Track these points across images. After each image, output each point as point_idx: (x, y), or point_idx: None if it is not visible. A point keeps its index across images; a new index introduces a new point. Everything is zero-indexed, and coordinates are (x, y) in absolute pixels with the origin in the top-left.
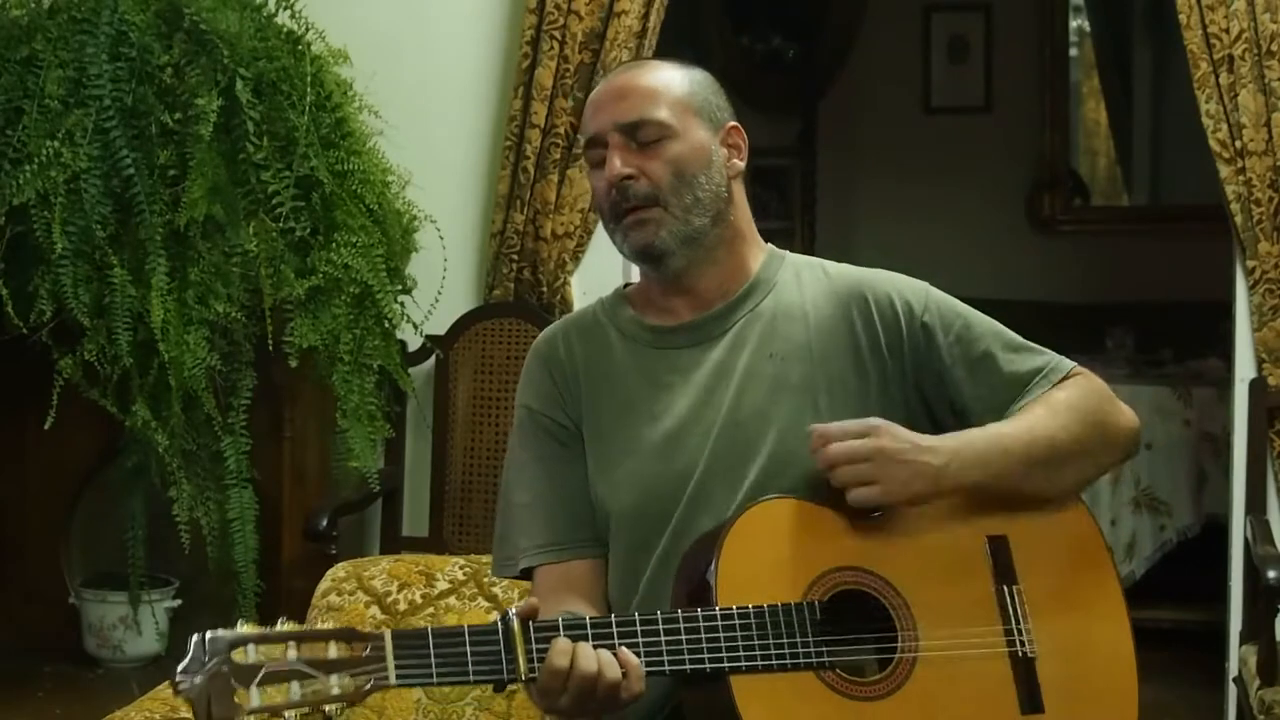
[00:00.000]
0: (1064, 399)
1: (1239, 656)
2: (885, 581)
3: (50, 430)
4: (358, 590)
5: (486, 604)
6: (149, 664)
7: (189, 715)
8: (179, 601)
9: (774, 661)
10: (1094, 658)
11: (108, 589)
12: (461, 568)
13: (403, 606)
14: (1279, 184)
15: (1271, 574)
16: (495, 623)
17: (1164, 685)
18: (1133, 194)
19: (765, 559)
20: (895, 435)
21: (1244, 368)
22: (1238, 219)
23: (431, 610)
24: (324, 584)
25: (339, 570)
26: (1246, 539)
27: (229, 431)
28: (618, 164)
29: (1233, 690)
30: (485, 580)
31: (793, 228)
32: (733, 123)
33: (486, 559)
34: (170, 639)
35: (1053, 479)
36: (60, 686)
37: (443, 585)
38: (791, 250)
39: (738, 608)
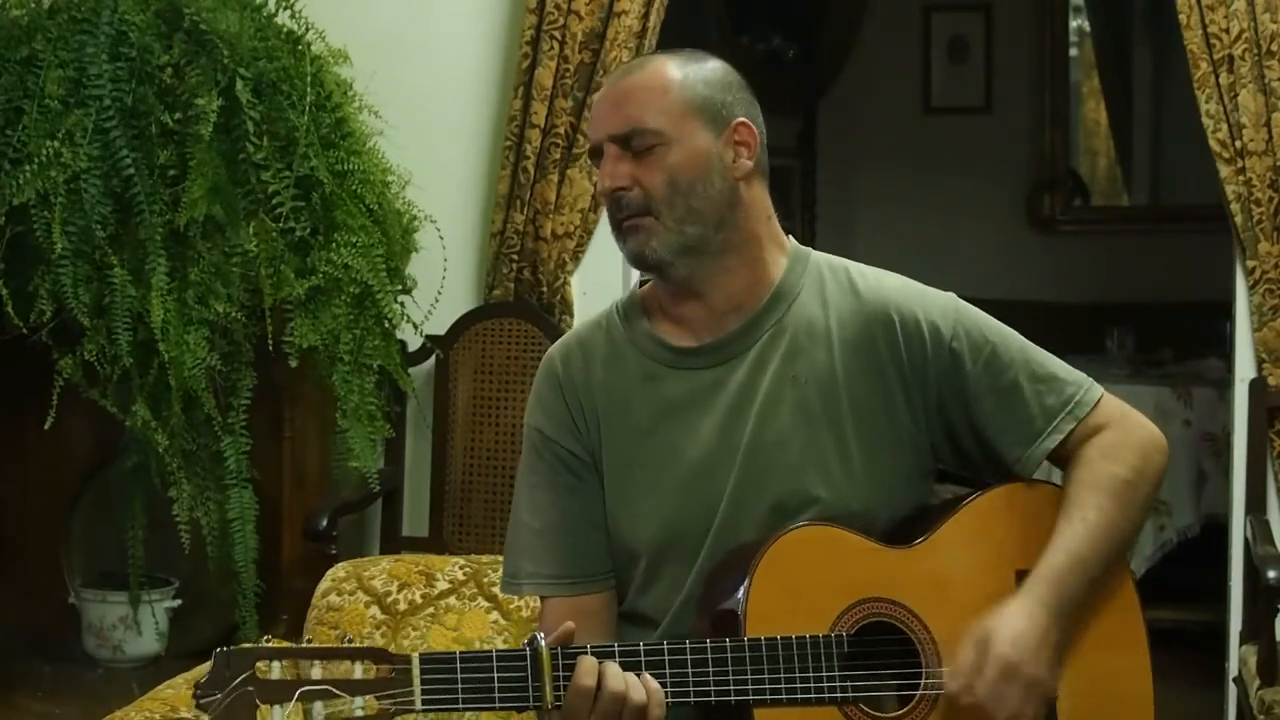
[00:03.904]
0: (1122, 478)
1: (1239, 656)
2: (913, 614)
3: (50, 430)
4: (358, 590)
5: (486, 604)
6: (149, 664)
7: (189, 715)
8: (179, 601)
9: (798, 695)
10: (1112, 699)
11: (108, 589)
12: (461, 568)
13: (403, 606)
14: (1279, 184)
15: (1271, 574)
16: (523, 647)
17: (1164, 685)
18: (1133, 194)
19: (795, 588)
20: (1005, 638)
21: (1244, 368)
22: (1238, 219)
23: (431, 610)
24: (324, 584)
25: (339, 570)
26: (1246, 539)
27: (229, 431)
28: (608, 180)
29: (1233, 690)
30: (485, 580)
31: (793, 228)
32: (740, 119)
33: (487, 559)
34: (170, 639)
35: (1118, 555)
36: (60, 686)
37: (443, 585)
38: None
39: (765, 639)
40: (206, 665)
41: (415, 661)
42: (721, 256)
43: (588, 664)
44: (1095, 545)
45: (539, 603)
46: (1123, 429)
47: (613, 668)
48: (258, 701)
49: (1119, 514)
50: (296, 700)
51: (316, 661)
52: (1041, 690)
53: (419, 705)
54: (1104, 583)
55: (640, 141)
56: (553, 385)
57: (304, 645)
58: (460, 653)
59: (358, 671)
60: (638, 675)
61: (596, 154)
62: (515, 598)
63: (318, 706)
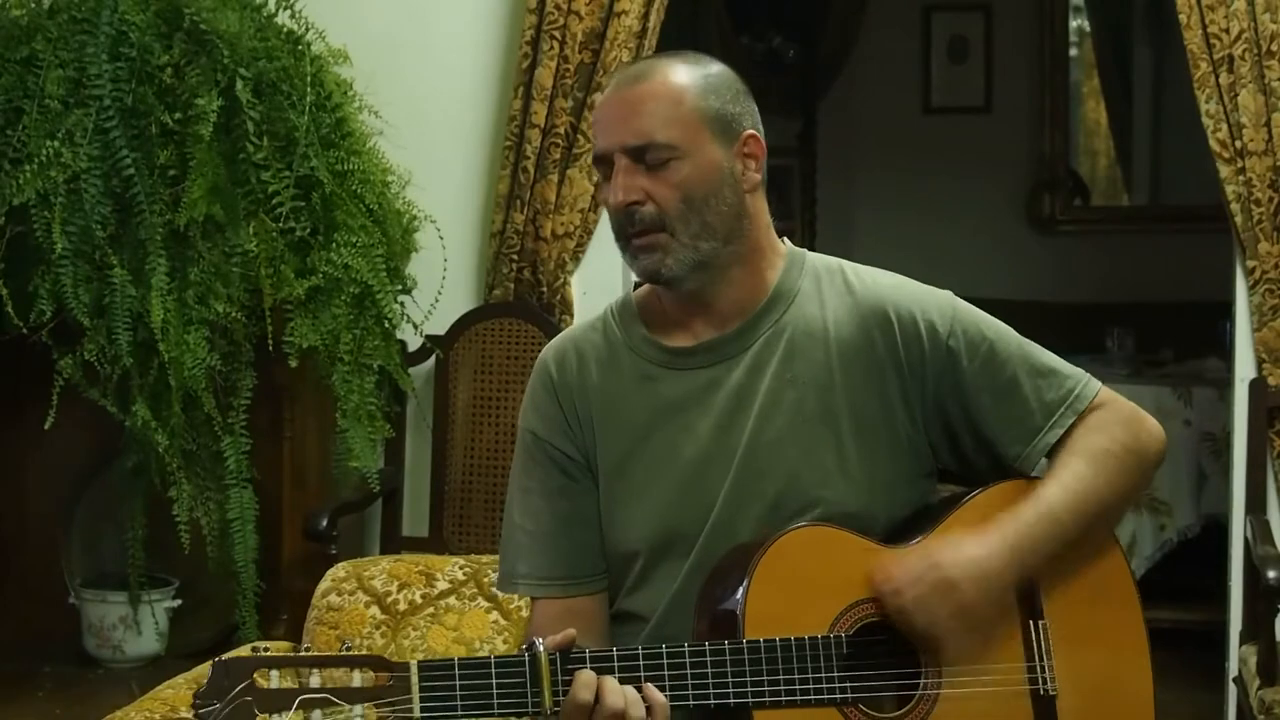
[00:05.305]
0: (1103, 447)
1: (1239, 656)
2: None
3: (50, 430)
4: (358, 590)
5: (486, 604)
6: (149, 664)
7: (189, 715)
8: (179, 601)
9: (797, 696)
10: (1113, 696)
11: (108, 589)
12: (461, 568)
13: (403, 606)
14: (1279, 184)
15: (1271, 574)
16: (522, 653)
17: (1164, 685)
18: (1133, 194)
19: (794, 589)
20: (953, 557)
21: (1244, 368)
22: (1238, 219)
23: (431, 610)
24: (324, 584)
25: (339, 570)
26: (1246, 539)
27: (229, 431)
28: (620, 193)
29: (1233, 690)
30: (485, 580)
31: (793, 227)
32: (750, 131)
33: (487, 559)
34: (170, 639)
35: (1100, 529)
36: (60, 686)
37: (443, 585)
38: None
39: (764, 640)
40: (206, 667)
41: (414, 669)
42: (728, 269)
43: (586, 678)
44: (1068, 504)
45: None
46: (1114, 410)
47: (611, 683)
48: (256, 711)
49: (1097, 479)
50: (296, 709)
51: (315, 670)
52: (971, 619)
53: (418, 712)
54: (1101, 577)
55: (655, 155)
56: (546, 387)
57: (302, 654)
58: (459, 659)
59: (356, 679)
60: (639, 688)
61: (603, 162)
62: (515, 598)
63: (316, 715)
